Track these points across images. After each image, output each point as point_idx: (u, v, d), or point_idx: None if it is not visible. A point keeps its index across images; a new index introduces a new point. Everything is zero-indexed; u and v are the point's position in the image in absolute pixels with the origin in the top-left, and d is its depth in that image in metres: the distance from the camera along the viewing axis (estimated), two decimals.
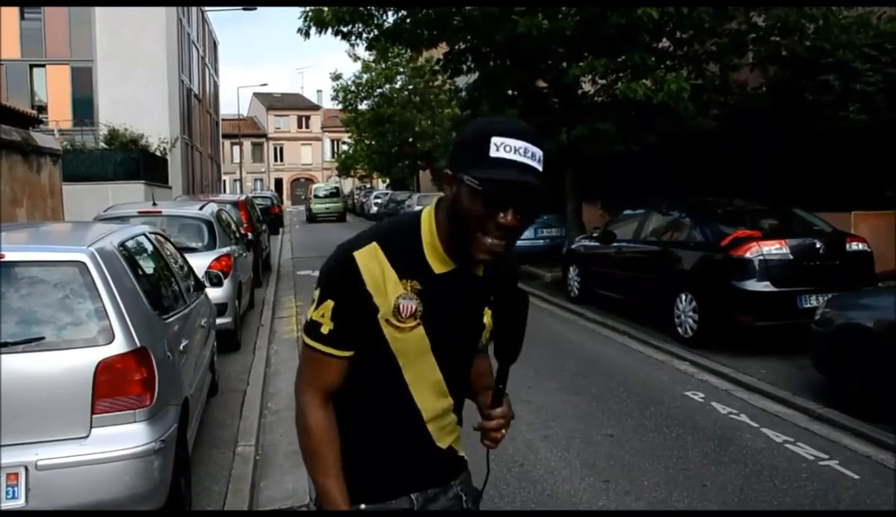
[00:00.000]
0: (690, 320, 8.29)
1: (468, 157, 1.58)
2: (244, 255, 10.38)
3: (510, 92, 14.33)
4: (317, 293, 1.70)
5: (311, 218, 36.94)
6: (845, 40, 10.65)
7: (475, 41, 13.83)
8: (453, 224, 1.63)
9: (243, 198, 16.03)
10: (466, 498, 1.89)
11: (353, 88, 37.01)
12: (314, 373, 1.74)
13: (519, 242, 7.34)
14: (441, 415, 1.80)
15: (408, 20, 13.63)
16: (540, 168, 1.58)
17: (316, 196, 38.97)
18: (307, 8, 13.74)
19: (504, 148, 1.55)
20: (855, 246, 8.18)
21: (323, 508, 1.73)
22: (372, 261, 1.65)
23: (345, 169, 52.30)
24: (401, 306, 1.65)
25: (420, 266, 1.67)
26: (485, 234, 1.58)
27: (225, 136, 57.96)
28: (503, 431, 1.74)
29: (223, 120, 56.00)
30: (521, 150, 1.55)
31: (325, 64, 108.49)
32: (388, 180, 48.01)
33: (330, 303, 1.67)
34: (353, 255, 1.65)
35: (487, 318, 1.78)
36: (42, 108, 29.71)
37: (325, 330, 1.68)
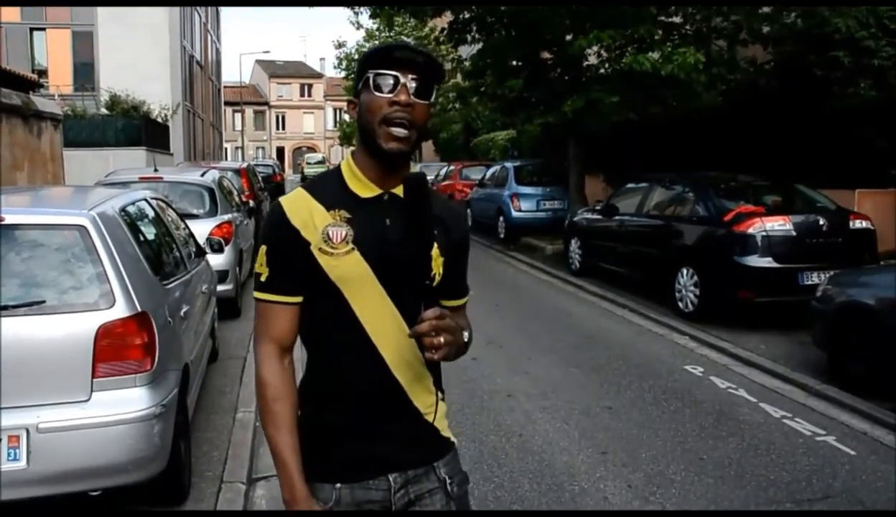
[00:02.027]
0: (691, 295, 8.29)
1: (359, 74, 1.72)
2: (246, 222, 10.36)
3: (514, 63, 14.21)
4: None
5: (304, 179, 47.71)
6: (857, 19, 10.48)
7: (480, 11, 13.70)
8: (363, 134, 1.72)
9: (245, 165, 15.96)
10: (451, 481, 1.81)
11: (356, 56, 36.74)
12: (264, 325, 1.75)
13: (521, 214, 7.42)
14: (407, 360, 1.72)
15: None
16: (424, 53, 1.71)
17: (308, 163, 51.95)
18: None
19: (386, 52, 1.70)
20: (858, 223, 8.16)
21: (275, 466, 1.71)
22: (297, 202, 1.73)
23: (346, 138, 52.09)
24: (330, 232, 1.69)
25: (345, 196, 1.74)
26: (386, 123, 1.66)
27: (227, 104, 57.51)
28: (440, 338, 1.57)
29: (225, 87, 55.55)
30: (403, 48, 1.71)
31: (329, 31, 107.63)
32: None
33: (263, 249, 1.74)
34: (279, 201, 1.76)
35: (437, 262, 1.73)
36: (42, 73, 29.44)
37: (263, 278, 1.73)
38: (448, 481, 1.80)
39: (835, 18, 10.34)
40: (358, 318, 1.69)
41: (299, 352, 1.78)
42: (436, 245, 1.73)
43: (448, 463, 1.83)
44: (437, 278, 1.74)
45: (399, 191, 1.71)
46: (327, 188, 1.76)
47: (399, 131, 1.66)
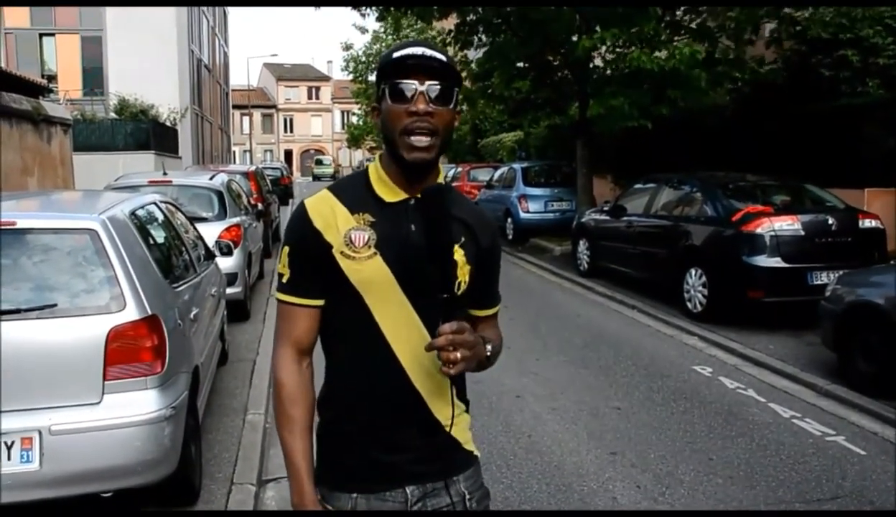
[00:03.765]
0: (700, 295, 8.27)
1: (379, 80, 1.68)
2: (254, 225, 10.40)
3: (521, 64, 14.22)
4: None
5: (315, 178, 55.86)
6: (862, 16, 10.47)
7: (485, 12, 13.72)
8: (386, 143, 1.68)
9: (253, 168, 16.02)
10: (471, 497, 1.76)
11: (363, 59, 36.81)
12: (284, 327, 1.73)
13: (529, 215, 7.43)
14: (428, 371, 1.67)
15: None
16: (441, 57, 1.62)
17: (318, 163, 61.42)
18: None
19: (403, 51, 1.63)
20: (868, 223, 8.12)
21: (287, 469, 1.69)
22: (322, 204, 1.70)
23: (354, 140, 52.26)
24: (352, 236, 1.65)
25: (370, 199, 1.70)
26: (407, 133, 1.61)
27: (235, 107, 57.78)
28: (458, 353, 1.52)
29: (233, 90, 55.81)
30: (419, 51, 1.62)
31: (337, 34, 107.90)
32: None
33: (286, 250, 1.71)
34: (304, 202, 1.73)
35: (462, 270, 1.69)
36: (52, 78, 29.62)
37: (285, 279, 1.71)
38: (467, 497, 1.75)
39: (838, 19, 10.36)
40: (378, 325, 1.65)
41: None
42: (462, 253, 1.68)
43: (468, 477, 1.77)
44: (463, 287, 1.69)
45: None
46: (353, 190, 1.72)
47: (420, 140, 1.60)
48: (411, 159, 1.62)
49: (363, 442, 1.69)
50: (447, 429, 1.73)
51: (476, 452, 1.83)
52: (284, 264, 1.71)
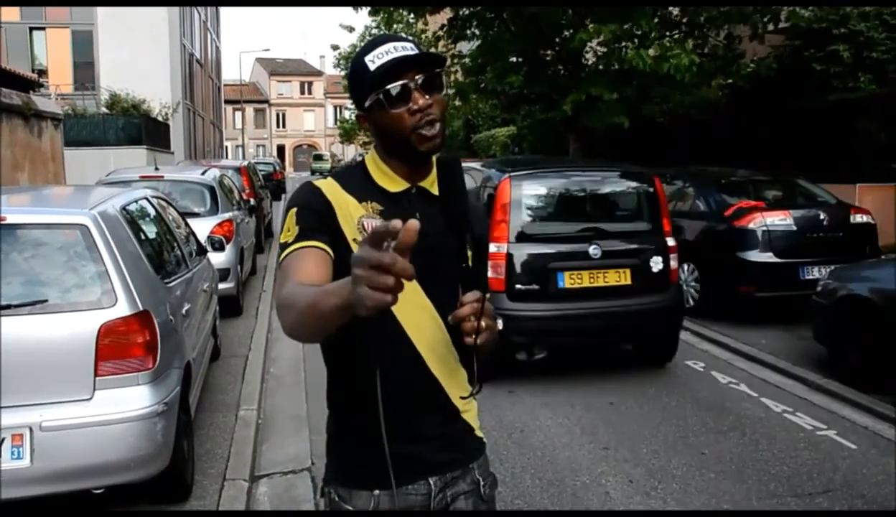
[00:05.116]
0: (692, 290, 8.29)
1: (361, 91, 1.66)
2: (246, 220, 10.37)
3: (514, 58, 14.21)
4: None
5: (313, 172, 55.60)
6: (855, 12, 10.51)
7: (479, 7, 13.71)
8: (393, 147, 1.68)
9: (245, 164, 15.97)
10: (484, 482, 1.78)
11: (353, 55, 36.82)
12: (286, 276, 1.54)
13: None
14: (443, 356, 1.68)
15: None
16: (413, 45, 1.64)
17: (315, 158, 61.31)
18: None
19: (377, 57, 1.62)
20: (859, 218, 8.16)
21: (328, 300, 1.33)
22: (331, 188, 1.70)
23: (347, 135, 52.22)
24: (365, 223, 1.64)
25: (374, 190, 1.70)
26: (415, 129, 1.62)
27: (227, 102, 57.58)
28: (482, 322, 1.51)
29: (225, 85, 55.60)
30: (391, 49, 1.62)
31: (329, 28, 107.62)
32: None
33: (293, 211, 1.65)
34: (311, 182, 1.72)
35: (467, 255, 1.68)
36: (42, 72, 29.43)
37: (290, 237, 1.60)
38: (481, 483, 1.77)
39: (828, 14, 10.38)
40: (393, 313, 1.62)
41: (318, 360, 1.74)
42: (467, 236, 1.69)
43: (481, 464, 1.79)
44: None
45: (426, 183, 1.71)
46: (355, 181, 1.72)
47: (431, 130, 1.62)
48: (426, 149, 1.64)
49: (383, 435, 1.63)
50: (464, 415, 1.74)
51: (484, 439, 1.83)
52: (291, 226, 1.61)
